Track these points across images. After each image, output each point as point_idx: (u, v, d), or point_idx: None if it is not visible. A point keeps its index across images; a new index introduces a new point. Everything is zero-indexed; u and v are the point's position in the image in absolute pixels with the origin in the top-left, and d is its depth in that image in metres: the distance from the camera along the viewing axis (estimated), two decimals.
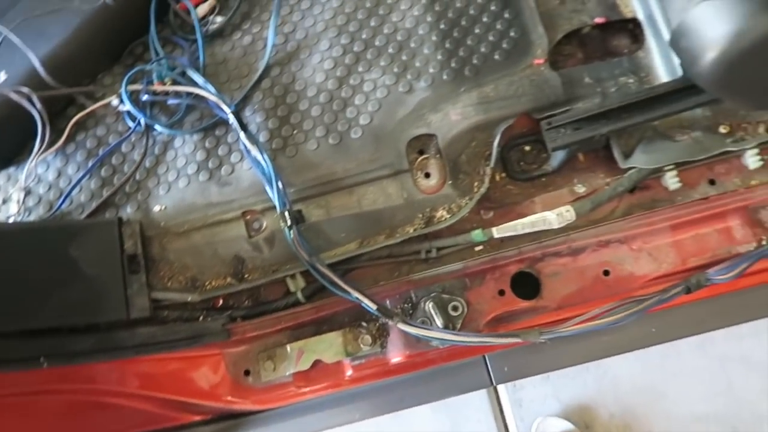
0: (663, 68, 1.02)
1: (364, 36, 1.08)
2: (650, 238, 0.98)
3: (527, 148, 1.07)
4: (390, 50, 1.07)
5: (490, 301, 1.00)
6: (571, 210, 0.97)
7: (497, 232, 0.99)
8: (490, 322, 0.99)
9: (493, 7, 1.08)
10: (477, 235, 0.99)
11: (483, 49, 1.06)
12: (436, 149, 1.03)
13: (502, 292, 1.00)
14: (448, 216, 1.01)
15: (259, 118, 1.06)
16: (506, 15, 1.07)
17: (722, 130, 0.99)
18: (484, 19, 1.07)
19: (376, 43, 1.07)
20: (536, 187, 1.06)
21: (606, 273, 0.99)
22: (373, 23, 1.08)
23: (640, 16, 1.06)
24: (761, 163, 0.97)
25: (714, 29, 0.69)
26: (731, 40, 0.69)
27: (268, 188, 0.99)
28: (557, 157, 1.04)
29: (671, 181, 0.98)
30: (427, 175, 1.04)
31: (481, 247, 1.02)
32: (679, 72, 0.97)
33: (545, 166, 1.06)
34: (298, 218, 0.99)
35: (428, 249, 1.01)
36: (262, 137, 1.05)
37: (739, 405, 1.48)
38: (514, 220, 0.99)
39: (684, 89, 0.94)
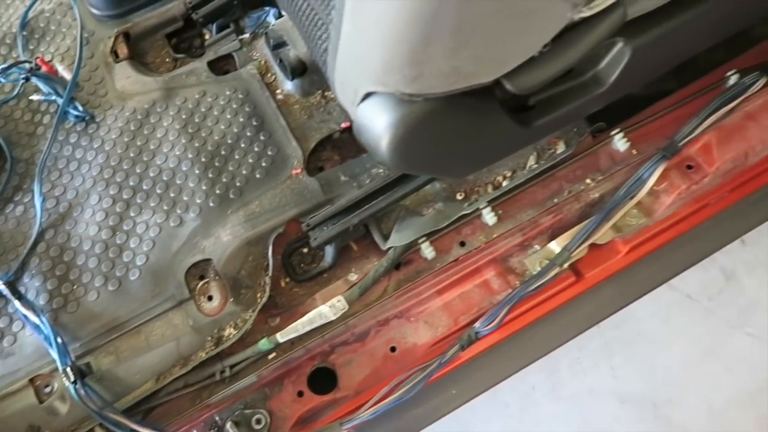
0: None
1: (131, 183, 1.14)
2: (423, 307, 1.06)
3: (305, 250, 1.15)
4: (158, 190, 1.14)
5: (291, 405, 1.02)
6: (342, 299, 1.04)
7: (281, 336, 1.03)
8: (296, 426, 1.01)
9: (248, 133, 1.19)
10: (263, 344, 1.03)
11: (244, 171, 1.15)
12: (215, 272, 1.08)
13: (301, 393, 1.03)
14: (235, 332, 1.04)
15: (38, 282, 1.08)
16: (261, 137, 1.18)
17: (459, 197, 1.11)
18: (242, 145, 1.17)
19: (144, 186, 1.14)
20: (320, 284, 1.12)
21: (393, 349, 1.05)
22: (138, 169, 1.16)
23: None
24: (497, 218, 1.09)
25: (375, 125, 0.81)
26: (390, 131, 0.80)
27: (50, 349, 0.99)
28: (329, 252, 1.12)
29: (427, 251, 1.08)
30: (210, 298, 1.08)
31: (274, 354, 1.05)
32: None
33: (322, 263, 1.13)
34: (84, 371, 0.99)
35: (222, 369, 1.03)
36: (42, 300, 1.06)
37: None
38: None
39: None
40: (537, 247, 1.08)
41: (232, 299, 1.06)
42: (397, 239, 1.07)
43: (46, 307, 1.05)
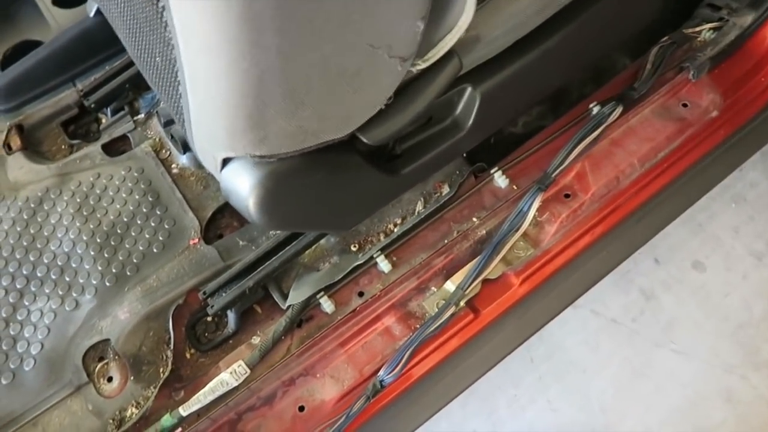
0: None
1: (25, 272, 1.13)
2: (327, 362, 1.06)
3: (209, 318, 1.14)
4: (53, 276, 1.13)
5: None
6: (243, 364, 1.03)
7: (183, 410, 1.01)
8: None
9: (144, 209, 1.20)
10: (166, 420, 1.01)
11: (141, 247, 1.15)
12: (114, 352, 1.07)
13: None
14: (137, 411, 1.02)
15: None
16: (157, 212, 1.20)
17: (353, 248, 1.13)
18: (138, 221, 1.18)
19: (38, 274, 1.13)
20: (225, 352, 1.11)
21: (301, 409, 1.04)
22: (32, 257, 1.15)
23: None
24: (391, 265, 1.11)
25: (239, 189, 0.83)
26: (253, 193, 0.82)
27: None
28: (232, 318, 1.11)
29: (326, 305, 1.09)
30: (110, 379, 1.06)
31: (180, 429, 1.03)
32: None
33: (226, 329, 1.13)
34: None
35: None
36: None
37: None
38: None
39: None
40: (434, 288, 1.10)
41: (132, 378, 1.04)
42: (295, 297, 1.08)
43: None
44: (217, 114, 0.75)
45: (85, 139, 1.37)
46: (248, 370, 1.02)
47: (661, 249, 1.76)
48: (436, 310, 1.07)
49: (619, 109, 1.14)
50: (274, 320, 1.13)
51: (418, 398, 1.09)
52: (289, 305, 1.08)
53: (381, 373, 1.02)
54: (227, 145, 0.78)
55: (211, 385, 1.02)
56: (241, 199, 0.84)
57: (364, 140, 0.85)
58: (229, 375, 1.01)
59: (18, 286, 1.12)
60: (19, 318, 1.09)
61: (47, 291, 1.11)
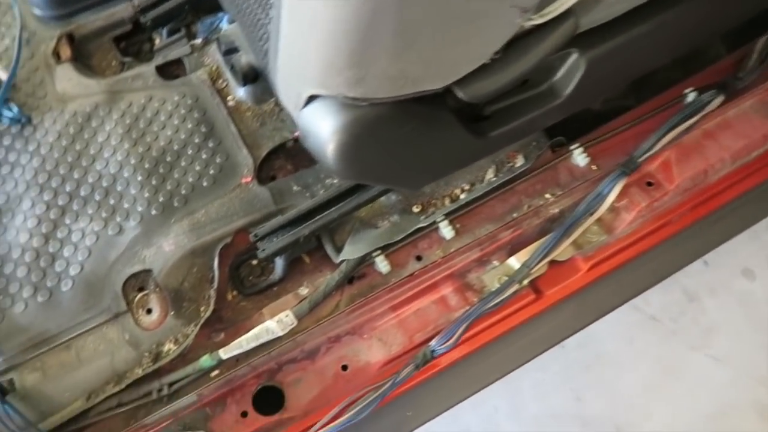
0: None
1: (68, 188, 1.08)
2: (376, 323, 1.01)
3: (254, 262, 1.09)
4: (97, 197, 1.07)
5: (234, 426, 0.96)
6: (290, 314, 0.98)
7: (224, 353, 0.97)
8: None
9: (196, 139, 1.13)
10: (205, 361, 0.97)
11: (191, 179, 1.09)
12: (155, 283, 1.02)
13: (245, 414, 0.96)
14: (175, 347, 0.98)
15: None
16: (210, 144, 1.13)
17: (415, 209, 1.07)
18: (189, 152, 1.12)
19: (82, 192, 1.07)
20: (269, 298, 1.06)
21: (344, 368, 1.00)
22: (76, 175, 1.09)
23: None
24: (454, 232, 1.05)
25: (320, 130, 0.76)
26: (336, 137, 0.75)
27: None
28: (279, 265, 1.06)
29: (381, 264, 1.03)
30: (149, 311, 1.01)
31: (217, 372, 0.99)
32: None
33: (272, 276, 1.08)
34: (5, 388, 0.92)
35: (159, 387, 0.96)
36: None
37: None
38: None
39: None
40: (496, 262, 1.04)
41: (173, 312, 1.00)
42: (350, 252, 1.02)
43: None
44: (315, 45, 0.67)
45: (137, 58, 1.29)
46: (295, 321, 0.98)
47: (712, 251, 1.69)
48: (497, 285, 1.01)
49: (720, 99, 1.06)
50: (322, 273, 1.08)
51: (463, 374, 1.04)
52: (342, 260, 1.03)
53: (433, 343, 0.97)
54: (319, 82, 0.71)
55: (255, 331, 0.97)
56: (320, 143, 0.78)
57: (460, 95, 0.77)
58: (275, 323, 0.97)
59: (60, 203, 1.06)
60: (59, 236, 1.04)
61: (90, 212, 1.06)
